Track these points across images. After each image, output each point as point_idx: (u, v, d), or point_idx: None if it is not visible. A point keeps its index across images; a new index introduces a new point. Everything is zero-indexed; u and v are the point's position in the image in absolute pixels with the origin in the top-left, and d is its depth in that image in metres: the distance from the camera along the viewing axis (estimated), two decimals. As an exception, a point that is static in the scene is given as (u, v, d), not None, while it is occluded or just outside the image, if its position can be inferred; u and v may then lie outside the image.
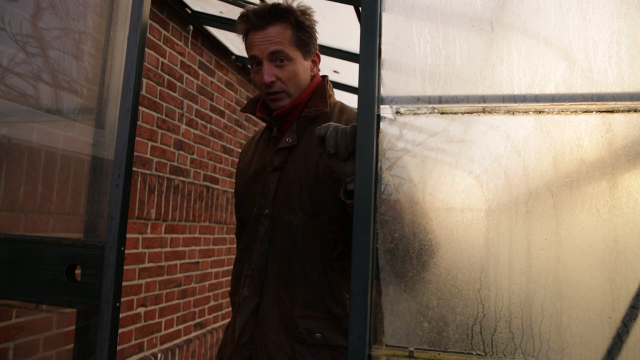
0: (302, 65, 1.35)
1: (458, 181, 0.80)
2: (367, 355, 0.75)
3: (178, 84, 3.20)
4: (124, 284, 2.70)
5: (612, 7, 0.76)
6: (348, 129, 1.05)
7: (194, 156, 3.43)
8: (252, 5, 1.35)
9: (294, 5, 1.34)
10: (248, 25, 1.32)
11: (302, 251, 1.28)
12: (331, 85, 1.47)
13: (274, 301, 1.29)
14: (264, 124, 1.54)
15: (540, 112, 0.78)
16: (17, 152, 1.50)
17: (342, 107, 1.43)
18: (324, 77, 1.45)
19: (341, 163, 1.07)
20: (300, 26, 1.32)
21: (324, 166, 1.29)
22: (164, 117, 3.04)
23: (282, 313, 1.27)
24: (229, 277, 3.80)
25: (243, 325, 1.30)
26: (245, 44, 1.37)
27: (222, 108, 3.83)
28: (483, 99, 0.80)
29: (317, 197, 1.29)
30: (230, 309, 3.79)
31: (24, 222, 1.63)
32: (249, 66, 1.36)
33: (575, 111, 0.76)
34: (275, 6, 1.30)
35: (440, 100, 0.81)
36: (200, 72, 3.50)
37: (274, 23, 1.29)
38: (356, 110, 1.42)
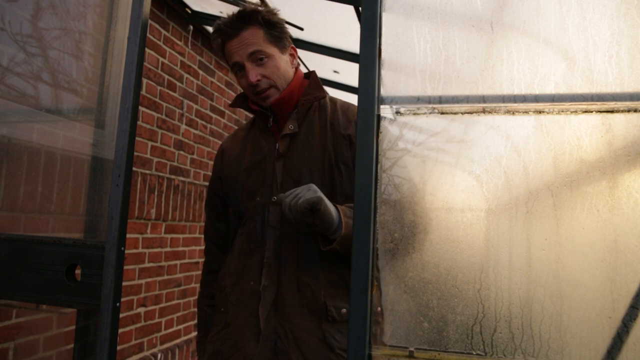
0: (282, 60, 1.41)
1: (458, 181, 0.80)
2: (367, 355, 0.75)
3: (178, 84, 3.20)
4: (124, 284, 2.70)
5: (612, 7, 0.76)
6: (299, 203, 1.19)
7: (194, 156, 3.43)
8: (223, 18, 1.41)
9: (259, 7, 1.41)
10: (223, 36, 1.39)
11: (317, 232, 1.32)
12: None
13: (294, 286, 1.31)
14: (245, 122, 1.59)
15: (540, 112, 0.78)
16: (17, 152, 1.50)
17: (332, 98, 1.50)
18: (313, 71, 1.50)
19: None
20: (270, 24, 1.39)
21: (334, 149, 1.36)
22: (164, 117, 3.04)
23: (305, 297, 1.30)
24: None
25: (267, 315, 1.31)
26: (225, 55, 1.43)
27: (222, 108, 3.83)
28: (483, 99, 0.80)
29: (330, 180, 1.34)
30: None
31: (24, 222, 1.63)
32: (234, 74, 1.45)
33: (575, 111, 0.76)
34: (242, 12, 1.38)
35: (440, 100, 0.81)
36: (200, 72, 3.50)
37: (245, 27, 1.37)
38: (344, 100, 1.50)
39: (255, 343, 1.30)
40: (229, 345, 1.36)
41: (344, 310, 1.29)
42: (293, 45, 1.47)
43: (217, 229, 1.56)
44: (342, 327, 1.29)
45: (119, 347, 2.68)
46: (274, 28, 1.39)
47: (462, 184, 0.80)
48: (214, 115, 3.71)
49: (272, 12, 1.41)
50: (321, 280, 1.30)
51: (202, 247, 3.62)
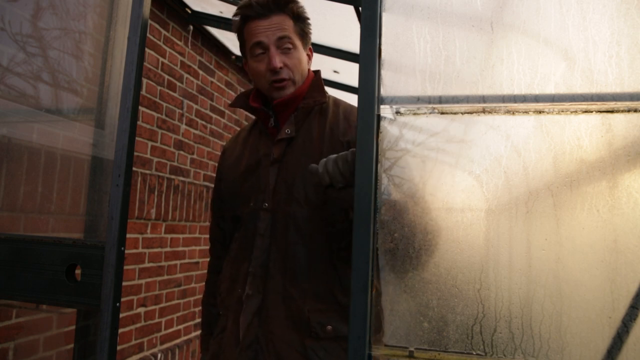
0: (304, 55, 1.39)
1: (458, 181, 0.80)
2: (367, 355, 0.75)
3: (178, 84, 3.20)
4: (124, 284, 2.70)
5: (612, 7, 0.76)
6: (340, 156, 1.07)
7: (194, 156, 3.43)
8: None
9: None
10: (251, 13, 1.34)
11: (308, 243, 1.28)
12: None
13: (279, 298, 1.27)
14: (246, 123, 1.55)
15: (540, 112, 0.78)
16: (17, 152, 1.50)
17: (336, 100, 1.45)
18: (317, 71, 1.47)
19: (340, 192, 1.09)
20: (300, 17, 1.37)
21: (327, 154, 1.29)
22: (164, 117, 3.04)
23: (289, 309, 1.26)
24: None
25: (247, 325, 1.28)
26: (244, 32, 1.37)
27: (222, 108, 3.83)
28: (483, 99, 0.80)
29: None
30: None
31: (24, 222, 1.63)
32: (247, 56, 1.38)
33: (575, 111, 0.76)
34: None
35: (440, 100, 0.81)
36: (200, 72, 3.50)
37: (278, 12, 1.34)
38: (349, 103, 1.45)
39: (236, 351, 1.28)
40: (222, 350, 1.35)
41: (329, 327, 1.23)
42: (311, 47, 1.45)
43: (222, 229, 1.53)
44: (329, 344, 1.23)
45: (119, 347, 2.68)
46: (303, 22, 1.38)
47: (462, 184, 0.80)
48: (214, 115, 3.71)
49: (303, 8, 1.40)
50: (308, 293, 1.25)
51: (202, 247, 3.63)
